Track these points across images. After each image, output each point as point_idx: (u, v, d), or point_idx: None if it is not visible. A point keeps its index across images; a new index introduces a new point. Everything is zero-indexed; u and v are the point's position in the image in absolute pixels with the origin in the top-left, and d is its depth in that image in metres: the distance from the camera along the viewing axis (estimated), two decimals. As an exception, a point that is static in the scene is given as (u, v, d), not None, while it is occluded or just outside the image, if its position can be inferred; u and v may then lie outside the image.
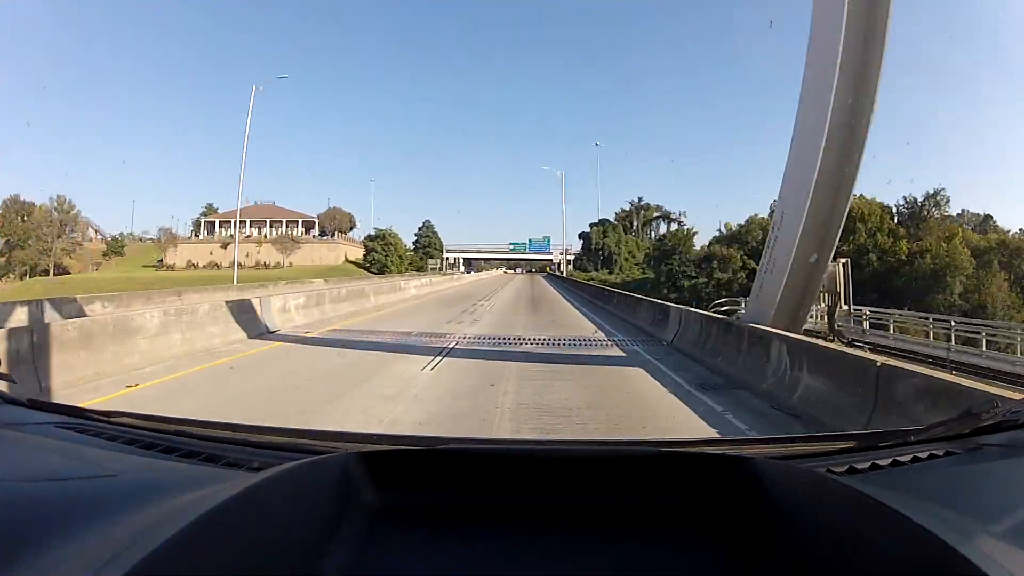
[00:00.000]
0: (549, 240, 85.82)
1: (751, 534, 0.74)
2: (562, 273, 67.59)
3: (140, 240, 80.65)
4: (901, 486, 0.88)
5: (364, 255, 73.48)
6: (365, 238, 78.29)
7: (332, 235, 79.74)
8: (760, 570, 0.69)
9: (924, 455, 1.02)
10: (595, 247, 73.52)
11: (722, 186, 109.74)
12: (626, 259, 73.78)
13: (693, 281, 54.56)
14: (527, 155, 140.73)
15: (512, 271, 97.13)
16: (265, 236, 74.20)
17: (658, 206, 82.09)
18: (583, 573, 0.71)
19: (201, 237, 77.79)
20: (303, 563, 0.64)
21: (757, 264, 8.73)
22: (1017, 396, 1.76)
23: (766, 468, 0.82)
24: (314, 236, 77.59)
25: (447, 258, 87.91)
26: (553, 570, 0.71)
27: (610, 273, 70.73)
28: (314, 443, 1.11)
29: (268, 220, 78.37)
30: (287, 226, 78.72)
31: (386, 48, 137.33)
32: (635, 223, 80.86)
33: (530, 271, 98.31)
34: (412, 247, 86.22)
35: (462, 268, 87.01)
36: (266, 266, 67.14)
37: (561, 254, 78.36)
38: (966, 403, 1.40)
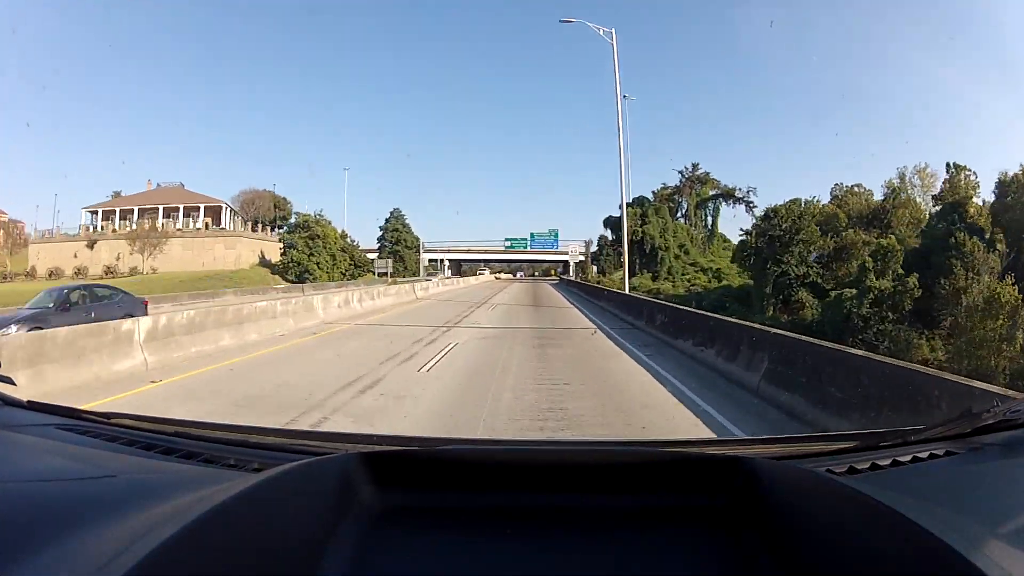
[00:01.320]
0: (557, 234, 61.26)
1: (751, 534, 0.74)
2: (604, 282, 40.74)
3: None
4: (901, 486, 0.87)
5: (281, 254, 49.27)
6: (284, 229, 54.02)
7: (255, 226, 56.36)
8: (760, 570, 0.69)
9: (924, 455, 1.01)
10: (630, 239, 48.46)
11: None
12: (676, 256, 49.14)
13: (833, 295, 29.83)
14: (528, 150, 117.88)
15: (511, 276, 73.35)
16: (161, 227, 50.99)
17: (715, 180, 57.00)
18: (583, 573, 0.71)
19: (75, 233, 55.35)
20: (303, 564, 0.64)
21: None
22: (1017, 396, 1.73)
23: (765, 468, 0.82)
24: (237, 229, 54.41)
25: (425, 259, 64.38)
26: (553, 570, 0.71)
27: (655, 279, 46.08)
28: (314, 444, 1.12)
29: (161, 207, 55.34)
30: (185, 214, 55.50)
31: (367, 27, 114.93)
32: (686, 204, 55.17)
33: (533, 275, 74.37)
34: (377, 244, 63.16)
35: (447, 272, 64.20)
36: (108, 273, 43.28)
37: (582, 249, 53.27)
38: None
